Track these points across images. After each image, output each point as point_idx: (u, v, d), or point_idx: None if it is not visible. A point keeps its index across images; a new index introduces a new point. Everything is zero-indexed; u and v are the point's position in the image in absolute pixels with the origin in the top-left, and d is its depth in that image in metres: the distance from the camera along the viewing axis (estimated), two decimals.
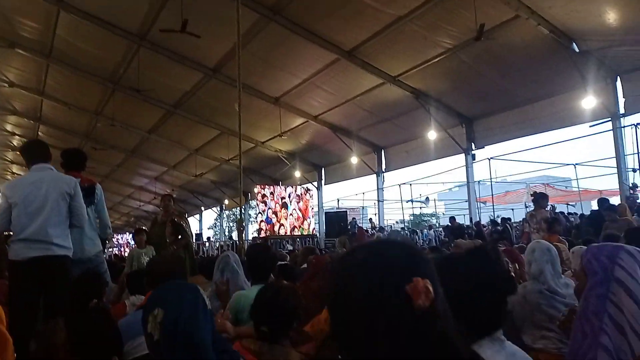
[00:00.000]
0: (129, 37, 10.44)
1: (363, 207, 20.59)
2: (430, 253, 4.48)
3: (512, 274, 3.12)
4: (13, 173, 24.00)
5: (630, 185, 9.32)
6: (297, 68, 10.85)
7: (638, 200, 9.02)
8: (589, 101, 8.96)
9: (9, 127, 18.65)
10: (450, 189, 23.31)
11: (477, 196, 13.37)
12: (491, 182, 13.25)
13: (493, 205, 14.46)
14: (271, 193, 15.72)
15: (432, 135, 11.78)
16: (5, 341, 1.21)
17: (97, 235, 4.03)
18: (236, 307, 2.66)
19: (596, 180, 15.51)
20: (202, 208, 25.72)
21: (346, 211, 17.59)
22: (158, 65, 11.23)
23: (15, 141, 19.81)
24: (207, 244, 18.93)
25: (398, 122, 12.61)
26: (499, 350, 1.25)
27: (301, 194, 16.13)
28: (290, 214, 15.80)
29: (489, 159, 12.36)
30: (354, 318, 0.81)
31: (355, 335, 0.81)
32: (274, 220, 15.53)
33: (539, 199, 7.31)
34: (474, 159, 12.33)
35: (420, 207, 20.56)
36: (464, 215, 15.84)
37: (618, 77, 9.15)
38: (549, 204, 8.53)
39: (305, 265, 4.31)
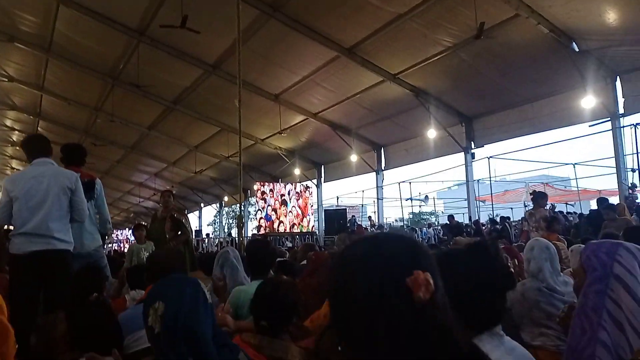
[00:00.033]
0: (128, 32, 10.41)
1: (362, 205, 20.60)
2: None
3: (512, 269, 3.13)
4: (12, 168, 23.99)
5: (629, 185, 9.33)
6: (297, 65, 10.84)
7: (637, 200, 9.04)
8: (588, 101, 8.96)
9: (8, 122, 18.62)
10: (449, 187, 23.31)
11: (476, 195, 13.38)
12: (490, 181, 13.28)
13: (492, 204, 14.49)
14: (271, 190, 15.72)
15: (431, 133, 11.77)
16: (7, 332, 1.21)
17: (97, 230, 4.04)
18: (236, 303, 2.67)
19: (595, 180, 15.57)
20: (202, 205, 25.73)
21: (345, 209, 17.63)
22: (158, 61, 11.21)
23: (15, 136, 19.79)
24: (206, 240, 18.96)
25: (398, 120, 12.61)
26: (498, 345, 1.26)
27: (301, 192, 16.14)
28: (290, 211, 15.81)
29: (489, 158, 12.39)
30: (355, 310, 0.82)
31: (356, 326, 0.82)
32: (274, 217, 15.54)
33: (538, 197, 7.33)
34: (474, 158, 12.33)
35: (420, 206, 20.56)
36: (463, 213, 15.86)
37: (618, 77, 9.14)
38: (548, 203, 8.54)
39: (304, 262, 4.32)
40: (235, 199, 20.04)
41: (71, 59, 12.12)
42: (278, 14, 8.96)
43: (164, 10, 9.18)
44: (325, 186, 17.56)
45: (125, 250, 12.99)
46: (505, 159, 13.52)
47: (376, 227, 15.77)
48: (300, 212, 15.97)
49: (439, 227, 17.12)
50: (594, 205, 10.43)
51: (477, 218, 12.68)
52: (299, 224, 15.91)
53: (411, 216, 21.66)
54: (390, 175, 15.30)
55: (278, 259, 4.24)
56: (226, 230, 31.24)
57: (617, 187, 9.94)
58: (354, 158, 14.22)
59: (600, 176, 14.02)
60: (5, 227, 3.55)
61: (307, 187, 16.41)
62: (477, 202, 13.59)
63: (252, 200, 17.34)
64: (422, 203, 19.84)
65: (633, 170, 9.39)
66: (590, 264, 1.53)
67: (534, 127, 10.65)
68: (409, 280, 0.78)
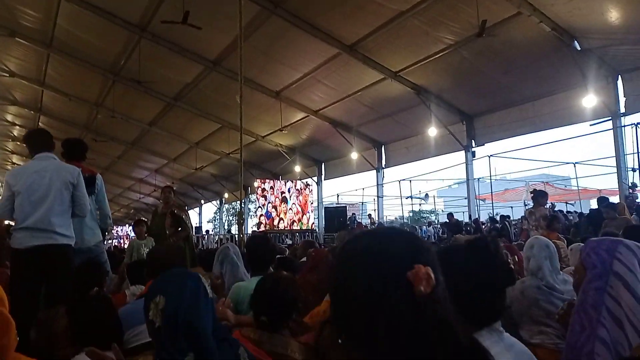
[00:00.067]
0: (130, 28, 10.40)
1: (362, 202, 20.62)
2: None
3: (512, 266, 3.13)
4: (13, 163, 23.99)
5: (630, 184, 9.33)
6: (298, 62, 10.83)
7: (637, 200, 9.04)
8: (589, 100, 8.95)
9: (9, 118, 18.63)
10: (449, 185, 23.30)
11: (477, 193, 13.39)
12: (491, 179, 13.26)
13: (492, 203, 14.49)
14: (271, 187, 15.75)
15: (432, 131, 11.77)
16: (8, 324, 1.22)
17: (98, 225, 4.05)
18: (236, 299, 2.67)
19: (595, 179, 15.56)
20: (202, 201, 25.73)
21: (345, 206, 17.63)
22: (159, 57, 11.20)
23: (16, 131, 19.79)
24: (206, 237, 18.98)
25: (398, 118, 12.61)
26: (497, 341, 1.26)
27: (301, 189, 16.16)
28: (290, 209, 15.83)
29: (489, 157, 12.37)
30: (355, 304, 0.82)
31: (356, 320, 0.82)
32: (274, 214, 15.56)
33: (538, 196, 7.31)
34: (474, 156, 12.34)
35: (420, 204, 20.59)
36: (463, 212, 15.86)
37: (619, 76, 9.14)
38: (548, 202, 8.54)
39: (304, 259, 4.33)
40: (236, 196, 20.05)
41: (72, 55, 12.11)
42: (279, 10, 8.94)
43: (165, 6, 9.18)
44: (326, 184, 17.59)
45: (126, 246, 13.02)
46: (505, 158, 13.51)
47: (376, 225, 15.78)
48: (300, 209, 16.00)
49: (439, 226, 17.14)
50: (594, 204, 10.43)
51: (477, 217, 12.69)
52: (299, 221, 15.93)
53: (411, 214, 21.68)
54: (391, 173, 15.32)
55: (278, 256, 4.25)
56: (226, 227, 31.26)
57: (617, 186, 9.93)
58: (354, 155, 14.22)
59: (601, 176, 14.03)
60: (7, 222, 3.56)
61: (307, 185, 16.42)
62: (477, 200, 13.60)
63: (253, 197, 17.35)
64: (422, 201, 19.87)
65: (633, 170, 9.38)
66: (590, 261, 1.53)
67: (534, 125, 10.65)
68: (410, 274, 0.79)
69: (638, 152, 9.11)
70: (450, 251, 1.37)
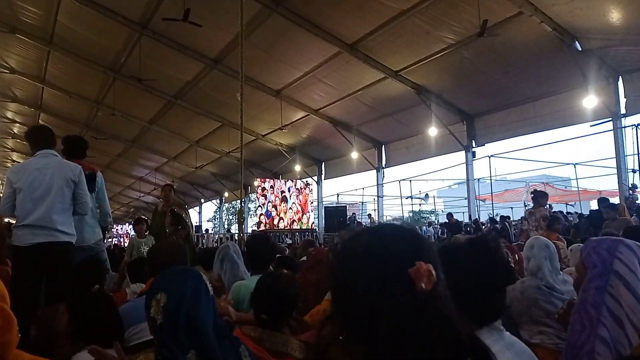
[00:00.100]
0: (130, 25, 10.40)
1: (362, 202, 20.62)
2: None
3: (512, 264, 3.13)
4: (13, 161, 23.99)
5: (630, 185, 9.33)
6: (299, 60, 10.82)
7: (637, 201, 9.04)
8: (590, 100, 8.95)
9: (9, 115, 18.62)
10: (449, 186, 23.33)
11: (477, 194, 13.39)
12: (491, 180, 13.27)
13: (492, 203, 14.49)
14: (271, 186, 15.75)
15: (432, 131, 11.76)
16: (10, 320, 1.21)
17: (98, 223, 4.05)
18: (236, 297, 2.68)
19: (596, 181, 15.57)
20: (202, 200, 25.74)
21: (345, 206, 17.64)
22: (159, 55, 11.20)
23: (16, 129, 19.79)
24: (205, 236, 18.99)
25: (399, 117, 12.60)
26: (497, 340, 1.26)
27: (301, 188, 16.16)
28: (290, 208, 15.83)
29: (489, 157, 12.37)
30: (357, 300, 0.82)
31: (358, 317, 0.83)
32: (274, 213, 15.57)
33: (538, 197, 7.31)
34: (474, 157, 12.33)
35: (420, 204, 20.60)
36: (463, 212, 15.88)
37: (620, 77, 9.13)
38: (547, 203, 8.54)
39: (304, 258, 4.33)
40: (236, 195, 20.05)
41: (73, 52, 12.11)
42: (280, 8, 8.94)
43: (166, 4, 9.17)
44: (326, 183, 17.58)
45: (126, 245, 13.02)
46: (506, 158, 13.51)
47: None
48: (300, 209, 16.00)
49: (439, 226, 17.14)
50: (594, 205, 10.45)
51: (477, 217, 12.69)
52: (299, 220, 15.94)
53: (411, 214, 21.68)
54: (391, 173, 15.31)
55: (278, 255, 4.25)
56: (226, 226, 31.27)
57: (617, 187, 9.93)
58: (354, 155, 14.22)
59: (601, 177, 14.03)
60: (7, 220, 3.56)
61: (307, 184, 16.42)
62: (477, 201, 13.60)
63: (253, 196, 17.35)
64: (422, 201, 19.87)
65: (634, 171, 9.38)
66: (590, 260, 1.53)
67: (535, 126, 10.64)
68: (411, 270, 0.79)
69: (638, 153, 9.11)
70: (450, 249, 1.37)
